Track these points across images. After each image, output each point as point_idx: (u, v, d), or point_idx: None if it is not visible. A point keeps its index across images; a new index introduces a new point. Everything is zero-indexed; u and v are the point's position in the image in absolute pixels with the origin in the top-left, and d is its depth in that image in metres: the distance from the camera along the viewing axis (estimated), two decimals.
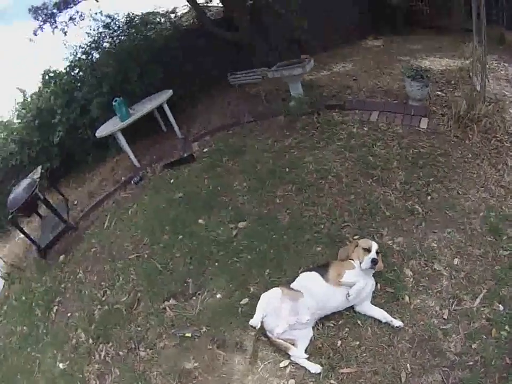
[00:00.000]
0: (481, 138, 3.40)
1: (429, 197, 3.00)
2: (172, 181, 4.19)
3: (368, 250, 2.30)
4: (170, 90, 4.94)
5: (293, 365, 2.09)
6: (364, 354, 2.08)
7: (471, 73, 4.15)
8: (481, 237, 2.64)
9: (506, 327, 2.08)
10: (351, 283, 2.19)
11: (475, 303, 2.24)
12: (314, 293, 2.20)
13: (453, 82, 4.27)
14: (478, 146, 3.37)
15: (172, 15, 6.41)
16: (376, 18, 6.91)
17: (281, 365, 2.11)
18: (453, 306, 2.25)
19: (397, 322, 2.16)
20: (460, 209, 2.86)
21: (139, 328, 2.65)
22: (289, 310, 2.12)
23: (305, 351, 2.11)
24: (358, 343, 2.14)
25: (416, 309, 2.26)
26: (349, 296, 2.18)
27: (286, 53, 5.30)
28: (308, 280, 2.28)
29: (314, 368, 2.03)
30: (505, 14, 5.61)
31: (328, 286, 2.21)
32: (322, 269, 2.31)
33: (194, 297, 2.70)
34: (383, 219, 2.89)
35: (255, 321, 2.05)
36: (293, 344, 2.13)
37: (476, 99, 3.50)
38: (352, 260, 2.33)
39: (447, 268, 2.48)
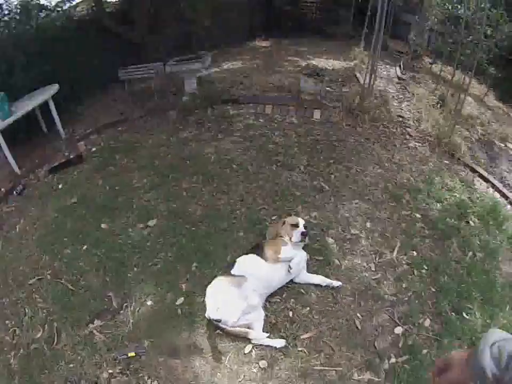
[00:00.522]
0: (370, 126, 4.37)
1: (332, 176, 3.64)
2: (60, 186, 3.98)
3: (296, 225, 2.64)
4: (57, 85, 4.77)
5: (256, 347, 2.25)
6: (317, 317, 2.42)
7: (357, 73, 5.22)
8: (385, 204, 3.36)
9: (424, 266, 2.79)
10: (290, 257, 2.49)
11: (394, 254, 2.88)
12: (257, 274, 2.40)
13: (340, 80, 5.35)
14: (369, 132, 4.31)
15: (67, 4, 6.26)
16: (266, 20, 8.15)
17: (246, 351, 2.23)
18: (377, 260, 2.83)
19: (336, 283, 2.58)
20: (362, 183, 3.58)
21: (71, 365, 2.30)
22: (238, 297, 2.26)
23: (263, 331, 2.29)
24: (308, 309, 2.47)
25: (347, 268, 2.74)
26: (290, 269, 2.46)
27: (177, 50, 5.80)
28: (247, 263, 2.47)
29: (278, 342, 2.23)
30: (389, 25, 7.19)
31: (268, 264, 2.45)
32: (257, 250, 2.55)
33: (121, 311, 2.58)
34: (295, 199, 3.36)
35: (211, 311, 2.16)
36: (249, 328, 2.28)
37: (365, 94, 4.39)
38: (282, 237, 2.64)
39: (362, 231, 3.06)
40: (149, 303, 2.59)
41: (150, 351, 2.30)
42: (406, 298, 2.58)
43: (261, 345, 2.23)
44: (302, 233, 2.58)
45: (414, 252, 2.92)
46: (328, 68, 5.85)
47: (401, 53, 6.35)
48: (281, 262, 2.46)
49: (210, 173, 3.66)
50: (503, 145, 4.63)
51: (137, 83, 5.75)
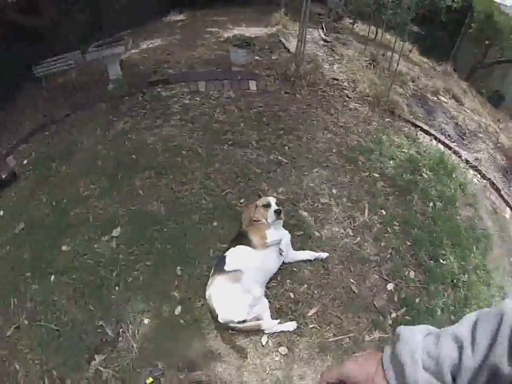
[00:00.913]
0: (309, 91, 4.41)
1: (286, 148, 3.63)
2: (1, 213, 3.40)
3: (268, 205, 2.62)
4: None
5: (271, 336, 2.25)
6: (316, 291, 2.48)
7: (281, 39, 5.15)
8: (343, 168, 3.48)
9: (395, 223, 2.99)
10: (278, 240, 2.48)
11: (365, 216, 3.01)
12: (251, 264, 2.35)
13: (267, 47, 5.25)
14: (309, 98, 4.34)
15: None
16: None
17: (263, 342, 2.22)
18: (352, 224, 2.94)
19: (323, 254, 2.66)
20: (316, 151, 3.64)
21: None
22: (241, 292, 2.22)
23: (272, 318, 2.28)
24: (305, 286, 2.51)
25: (328, 238, 2.82)
26: (282, 252, 2.45)
27: (90, 36, 5.27)
28: (238, 256, 2.40)
29: (291, 325, 2.28)
30: None
31: (258, 252, 2.42)
32: (242, 240, 2.50)
33: (120, 338, 2.35)
34: (257, 176, 3.30)
35: (222, 315, 2.14)
36: (259, 320, 2.26)
37: (297, 60, 4.35)
38: (259, 221, 2.59)
39: (331, 199, 3.14)
40: (146, 321, 2.40)
41: (167, 371, 2.16)
42: (388, 256, 2.77)
43: (274, 333, 2.23)
44: (276, 211, 2.57)
45: (383, 211, 3.10)
46: (249, 36, 5.63)
47: (321, 15, 6.43)
48: (270, 247, 2.44)
49: (161, 165, 3.41)
50: (435, 98, 5.01)
51: (55, 78, 5.09)
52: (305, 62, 4.65)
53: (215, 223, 2.90)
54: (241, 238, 2.54)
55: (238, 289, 2.22)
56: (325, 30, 5.86)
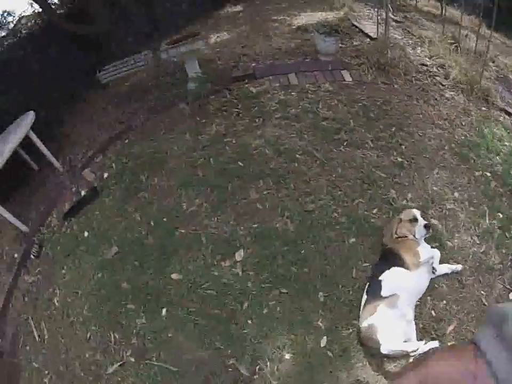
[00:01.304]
0: (404, 81, 4.34)
1: (403, 147, 3.62)
2: (86, 234, 3.41)
3: (414, 220, 2.61)
4: (32, 112, 4.14)
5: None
6: (454, 307, 2.53)
7: (354, 22, 5.00)
8: (458, 167, 3.50)
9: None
10: (430, 257, 2.50)
11: (487, 221, 3.03)
12: (407, 286, 2.37)
13: (346, 33, 5.10)
14: (406, 88, 4.29)
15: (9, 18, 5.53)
16: None
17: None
18: (477, 230, 2.97)
19: (458, 266, 2.67)
20: (431, 149, 3.65)
21: None
22: (398, 318, 2.24)
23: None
24: (444, 302, 2.56)
25: (459, 248, 2.85)
26: (435, 270, 2.53)
27: (147, 37, 5.50)
28: (395, 280, 2.39)
29: (433, 344, 2.28)
30: None
31: (412, 273, 2.43)
32: (393, 260, 2.49)
33: (256, 376, 2.28)
34: (383, 182, 3.27)
35: (387, 345, 2.13)
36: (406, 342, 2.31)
37: (385, 46, 4.31)
38: (405, 237, 2.59)
39: (455, 203, 3.19)
40: (287, 356, 2.30)
41: None
42: (509, 263, 2.76)
43: (419, 354, 2.26)
44: (425, 226, 2.57)
45: (500, 214, 3.09)
46: (318, 21, 5.48)
47: None
48: (422, 265, 2.46)
49: (277, 172, 3.37)
50: None
51: (120, 82, 5.11)
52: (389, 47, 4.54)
53: (352, 239, 2.81)
54: (391, 258, 2.49)
55: (395, 315, 2.21)
56: (391, 9, 5.69)
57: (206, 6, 7.07)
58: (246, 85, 4.44)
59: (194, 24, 6.46)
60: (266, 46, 5.13)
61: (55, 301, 3.05)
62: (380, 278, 2.39)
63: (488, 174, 3.45)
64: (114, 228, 3.32)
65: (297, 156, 3.54)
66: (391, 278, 2.38)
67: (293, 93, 4.25)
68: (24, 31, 5.65)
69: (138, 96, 4.89)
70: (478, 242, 2.90)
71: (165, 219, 3.19)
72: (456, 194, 3.26)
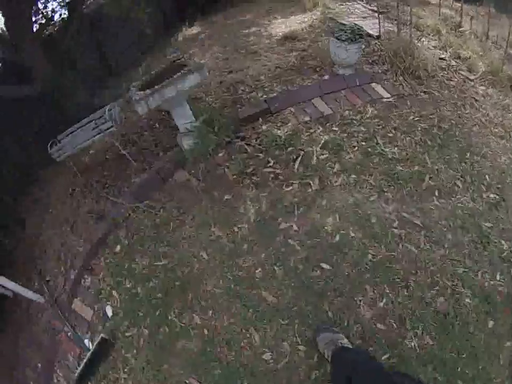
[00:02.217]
0: (438, 84, 3.83)
1: (487, 177, 3.12)
2: None
3: None
4: None
5: None
6: None
7: (342, 21, 4.42)
8: None
9: None
10: None
11: None
12: None
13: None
14: (446, 95, 3.77)
15: None
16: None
17: None
18: None
19: None
20: (507, 170, 3.22)
21: None
22: None
23: None
24: None
25: None
26: None
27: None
28: None
29: None
30: None
31: None
32: None
33: None
34: (492, 232, 2.79)
35: None
36: None
37: (406, 47, 3.76)
38: None
39: None
40: None
41: None
42: None
43: None
44: None
45: None
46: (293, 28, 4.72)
47: None
48: None
49: (380, 267, 2.57)
50: None
51: (83, 155, 3.85)
52: (401, 47, 3.87)
53: (491, 322, 2.36)
54: None
55: None
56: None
57: (159, 32, 6.19)
58: (264, 126, 3.44)
59: (153, 53, 4.97)
60: (259, 67, 4.11)
61: None
62: None
63: None
64: None
65: (394, 230, 2.74)
66: None
67: (334, 128, 3.39)
68: None
69: (113, 172, 3.57)
70: None
71: None
72: None
